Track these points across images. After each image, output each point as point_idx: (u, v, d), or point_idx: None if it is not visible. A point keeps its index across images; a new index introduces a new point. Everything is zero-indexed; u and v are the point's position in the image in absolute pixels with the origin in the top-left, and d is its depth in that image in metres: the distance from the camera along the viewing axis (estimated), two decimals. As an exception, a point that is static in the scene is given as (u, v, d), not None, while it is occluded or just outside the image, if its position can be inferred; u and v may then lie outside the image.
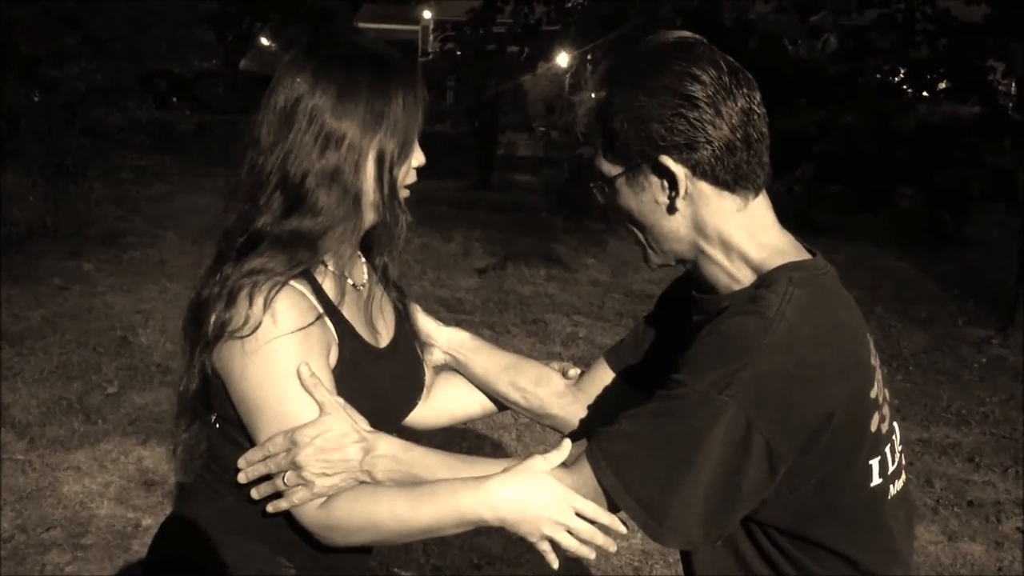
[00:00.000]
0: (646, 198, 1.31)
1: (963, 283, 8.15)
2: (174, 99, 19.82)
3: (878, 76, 9.85)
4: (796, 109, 9.92)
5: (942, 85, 9.79)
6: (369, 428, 1.37)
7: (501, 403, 1.73)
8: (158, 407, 4.73)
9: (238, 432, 1.41)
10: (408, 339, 1.63)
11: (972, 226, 10.38)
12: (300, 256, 1.37)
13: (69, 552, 3.45)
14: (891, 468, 1.33)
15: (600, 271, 8.35)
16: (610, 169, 1.32)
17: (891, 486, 1.33)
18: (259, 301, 1.33)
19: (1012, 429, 4.98)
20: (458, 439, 4.33)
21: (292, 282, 1.36)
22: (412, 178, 1.48)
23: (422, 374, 1.65)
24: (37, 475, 4.00)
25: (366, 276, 1.56)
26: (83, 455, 4.20)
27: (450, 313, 6.70)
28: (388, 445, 1.35)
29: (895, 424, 1.38)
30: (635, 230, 1.36)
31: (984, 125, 9.56)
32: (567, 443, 1.30)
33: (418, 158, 1.46)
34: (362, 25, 27.29)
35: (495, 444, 4.46)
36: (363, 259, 1.57)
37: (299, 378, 1.34)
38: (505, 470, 1.28)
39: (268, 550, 1.45)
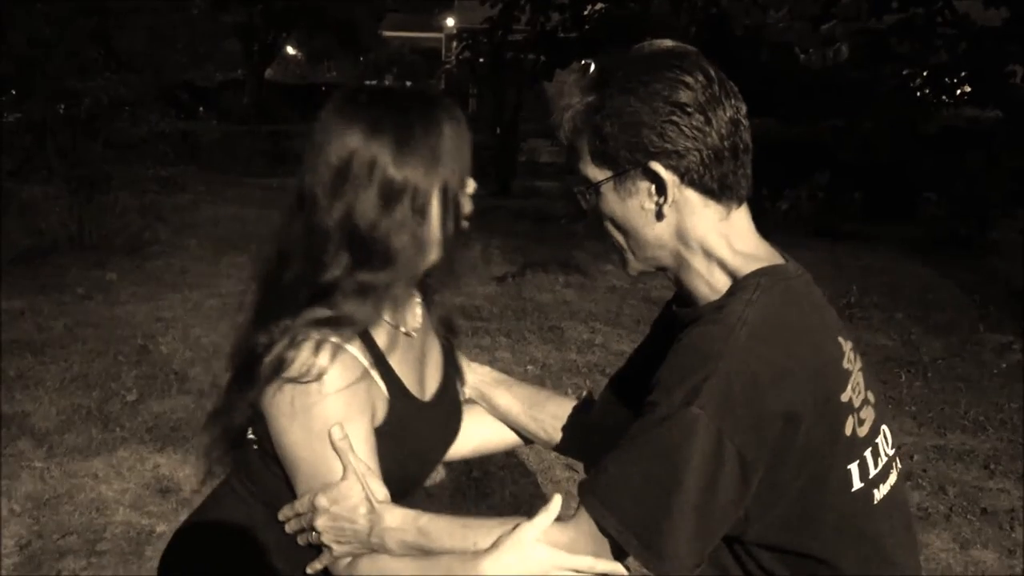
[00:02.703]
0: (632, 204, 1.31)
1: (985, 289, 8.07)
2: (200, 109, 20.02)
3: (897, 81, 9.78)
4: (811, 116, 9.87)
5: (962, 90, 9.71)
6: (381, 498, 1.37)
7: (524, 436, 1.76)
8: (175, 415, 4.79)
9: (274, 462, 1.43)
10: (452, 383, 1.64)
11: (994, 231, 10.29)
12: (369, 309, 1.38)
13: (84, 558, 3.50)
14: (874, 472, 1.32)
15: (619, 278, 8.35)
16: (597, 174, 1.32)
17: (875, 491, 1.32)
18: (322, 353, 1.34)
19: (1030, 436, 4.94)
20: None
21: (342, 339, 1.36)
22: (469, 206, 1.46)
23: (460, 419, 1.67)
24: (55, 482, 4.07)
25: (419, 319, 1.56)
26: (100, 462, 4.26)
27: (467, 320, 6.72)
28: (394, 517, 1.35)
29: (884, 427, 1.37)
30: (617, 236, 1.36)
31: (1005, 129, 9.47)
32: (557, 499, 1.30)
33: (471, 185, 1.45)
34: (386, 34, 27.48)
35: (511, 456, 4.47)
36: (418, 299, 1.57)
37: (330, 440, 1.35)
38: (496, 544, 1.28)
39: (289, 568, 1.48)
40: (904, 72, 9.95)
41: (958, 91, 9.67)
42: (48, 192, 8.71)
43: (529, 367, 5.78)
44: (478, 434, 1.75)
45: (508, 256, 9.01)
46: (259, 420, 1.41)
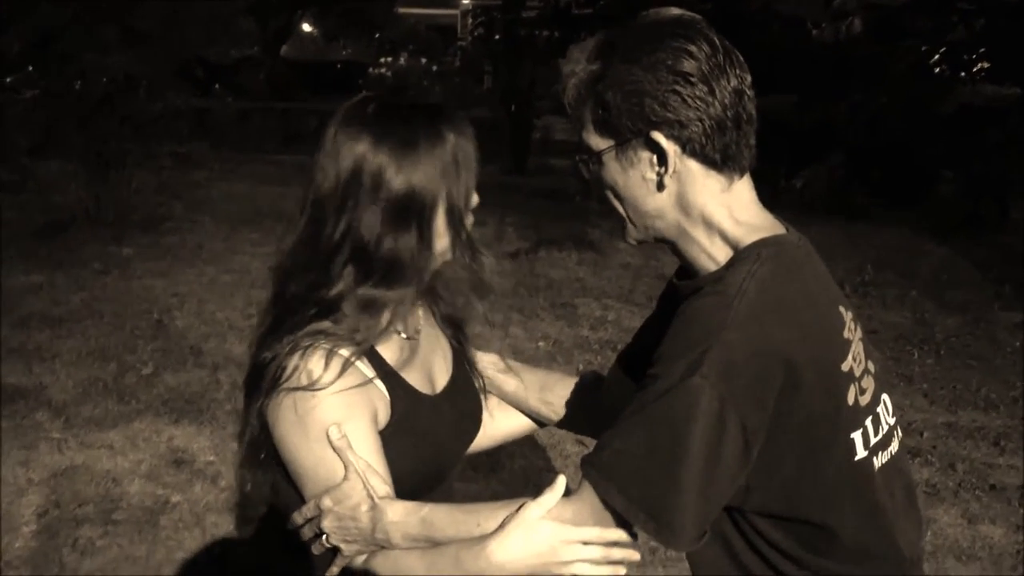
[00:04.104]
0: (634, 174, 1.30)
1: (1002, 268, 8.02)
2: (216, 86, 20.03)
3: (913, 58, 9.67)
4: (826, 94, 9.77)
5: (979, 67, 9.58)
6: (384, 494, 1.37)
7: (536, 420, 1.77)
8: (190, 388, 4.85)
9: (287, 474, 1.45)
10: (464, 375, 1.64)
11: (1013, 211, 10.21)
12: (377, 324, 1.40)
13: (100, 527, 3.56)
14: (875, 440, 1.32)
15: (632, 255, 8.34)
16: (599, 143, 1.31)
17: (876, 458, 1.32)
18: (324, 361, 1.35)
19: (1041, 414, 4.93)
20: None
21: (343, 350, 1.37)
22: (471, 220, 1.46)
23: (479, 411, 1.66)
24: (72, 453, 4.13)
25: (420, 322, 1.57)
26: (116, 434, 4.33)
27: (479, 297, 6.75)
28: (395, 511, 1.35)
29: (884, 396, 1.37)
30: (618, 205, 1.35)
31: (1023, 107, 9.36)
32: (561, 480, 1.30)
33: (474, 200, 1.45)
34: (402, 11, 27.35)
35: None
36: (422, 304, 1.58)
37: (328, 440, 1.36)
38: (501, 525, 1.28)
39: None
40: (922, 48, 9.84)
41: (974, 68, 9.56)
42: (65, 169, 8.76)
43: (541, 343, 5.81)
44: (498, 426, 1.76)
45: (522, 233, 9.02)
46: (268, 436, 1.42)
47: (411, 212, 1.36)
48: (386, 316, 1.41)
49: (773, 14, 9.48)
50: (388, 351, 1.47)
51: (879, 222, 9.58)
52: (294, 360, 1.35)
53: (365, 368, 1.41)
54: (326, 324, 1.37)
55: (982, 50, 9.25)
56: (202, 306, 6.25)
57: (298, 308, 1.39)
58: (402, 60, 24.56)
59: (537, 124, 13.08)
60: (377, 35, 25.79)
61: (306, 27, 27.84)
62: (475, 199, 1.45)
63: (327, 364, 1.35)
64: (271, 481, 1.48)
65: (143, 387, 4.88)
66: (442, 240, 1.40)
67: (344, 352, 1.37)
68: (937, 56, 9.78)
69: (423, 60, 23.61)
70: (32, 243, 7.78)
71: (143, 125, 8.88)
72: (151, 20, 8.96)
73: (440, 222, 1.39)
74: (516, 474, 4.04)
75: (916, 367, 5.62)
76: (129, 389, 4.84)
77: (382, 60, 24.73)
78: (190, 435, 4.33)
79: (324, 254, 1.38)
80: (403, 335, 1.51)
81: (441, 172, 1.37)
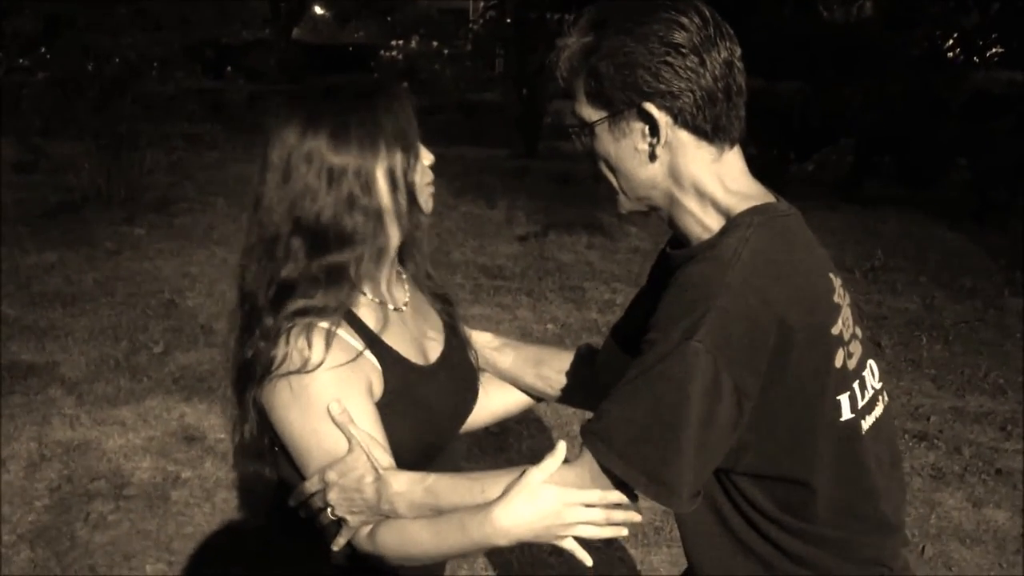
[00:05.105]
0: (626, 144, 1.33)
1: (1012, 254, 7.99)
2: (228, 68, 20.04)
3: (927, 44, 9.59)
4: (838, 79, 9.72)
5: (993, 52, 9.50)
6: (387, 464, 1.39)
7: (533, 395, 1.80)
8: (201, 367, 4.89)
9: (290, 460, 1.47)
10: (459, 348, 1.66)
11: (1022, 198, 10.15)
12: (342, 290, 1.41)
13: (112, 502, 3.61)
14: (861, 403, 1.35)
15: (642, 239, 8.34)
16: (591, 114, 1.34)
17: (862, 421, 1.35)
18: (307, 339, 1.37)
19: (1049, 399, 4.93)
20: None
21: (321, 323, 1.39)
22: (429, 177, 1.49)
23: (475, 382, 1.68)
24: (84, 429, 4.18)
25: (407, 295, 1.60)
26: (128, 411, 4.37)
27: (490, 280, 6.78)
28: (400, 481, 1.37)
29: (870, 361, 1.40)
30: (610, 176, 1.38)
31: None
32: (562, 445, 1.32)
33: (427, 157, 1.48)
34: (414, -6, 27.26)
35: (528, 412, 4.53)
36: (404, 277, 1.61)
37: (329, 415, 1.38)
38: (506, 491, 1.30)
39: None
40: (936, 33, 9.77)
41: (987, 54, 9.48)
42: (77, 149, 8.81)
43: (549, 326, 5.83)
44: (495, 400, 1.78)
45: (532, 216, 9.02)
46: (267, 423, 1.44)
47: (347, 180, 1.40)
48: (350, 278, 1.43)
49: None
50: (375, 323, 1.49)
51: (890, 208, 9.54)
52: (280, 346, 1.38)
53: (353, 341, 1.43)
54: (299, 303, 1.39)
55: (995, 36, 9.16)
56: (213, 286, 6.29)
57: (262, 297, 1.42)
58: (413, 43, 24.48)
59: (548, 108, 13.03)
60: (389, 19, 25.72)
61: (318, 9, 27.81)
62: (428, 156, 1.48)
63: (312, 341, 1.38)
64: (276, 466, 1.50)
65: (154, 365, 4.92)
66: (388, 203, 1.43)
67: (323, 324, 1.39)
68: (951, 41, 9.70)
69: (435, 43, 23.53)
70: (45, 222, 7.84)
71: (155, 106, 8.92)
72: (163, 1, 8.97)
73: (381, 186, 1.42)
74: (524, 454, 4.07)
75: (925, 352, 5.62)
76: (141, 367, 4.88)
77: (393, 43, 24.65)
78: (201, 413, 4.37)
79: (273, 237, 1.42)
80: (390, 307, 1.53)
81: (373, 143, 1.41)
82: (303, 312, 1.38)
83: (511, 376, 1.77)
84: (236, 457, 1.51)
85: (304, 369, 1.37)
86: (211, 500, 3.65)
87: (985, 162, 9.92)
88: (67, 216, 8.09)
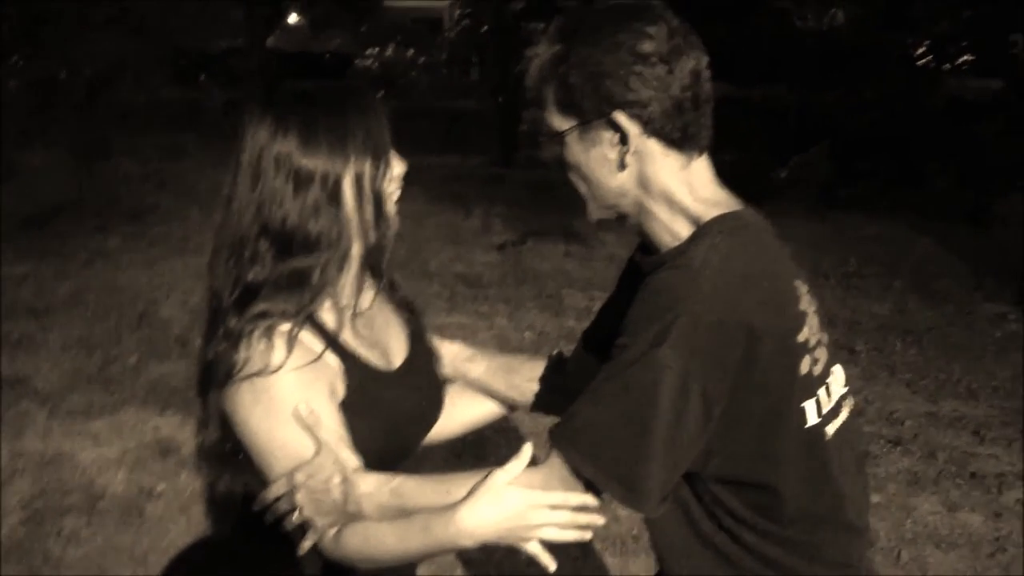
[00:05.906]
0: (595, 153, 1.34)
1: (986, 259, 8.07)
2: (201, 77, 19.92)
3: (899, 50, 9.68)
4: (814, 85, 9.80)
5: (964, 59, 9.60)
6: (355, 466, 1.39)
7: (505, 404, 1.79)
8: (175, 378, 4.84)
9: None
10: (423, 357, 1.66)
11: (999, 203, 10.26)
12: (305, 295, 1.41)
13: (86, 516, 3.57)
14: (826, 409, 1.37)
15: (618, 247, 8.35)
16: (561, 123, 1.35)
17: (828, 427, 1.37)
18: (268, 341, 1.38)
19: (1022, 403, 4.97)
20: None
21: (282, 326, 1.39)
22: (394, 187, 1.49)
23: (439, 390, 1.68)
24: (57, 443, 4.14)
25: (373, 302, 1.59)
26: (102, 424, 4.33)
27: (467, 288, 6.77)
28: (367, 483, 1.37)
29: (835, 367, 1.41)
30: (580, 184, 1.39)
31: (1008, 100, 9.38)
32: (527, 447, 1.32)
33: (398, 166, 1.48)
34: (387, 3, 27.26)
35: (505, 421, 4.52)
36: (371, 284, 1.60)
37: (296, 417, 1.38)
38: (471, 492, 1.30)
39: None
40: (909, 40, 9.86)
41: (957, 60, 9.58)
42: (50, 158, 8.73)
43: (527, 334, 5.83)
44: (465, 411, 1.78)
45: (509, 224, 9.03)
46: (229, 426, 1.43)
47: (315, 185, 1.40)
48: (314, 283, 1.43)
49: (759, 2, 9.46)
50: (337, 328, 1.49)
51: (864, 214, 9.62)
52: (241, 349, 1.38)
53: (314, 342, 1.43)
54: (262, 306, 1.39)
55: (965, 43, 9.27)
56: (187, 297, 6.23)
57: (227, 298, 1.42)
58: (389, 51, 24.46)
59: (524, 116, 13.04)
60: (363, 28, 25.69)
61: (293, 17, 27.73)
62: (399, 166, 1.48)
63: (273, 343, 1.38)
64: (240, 471, 1.49)
65: (128, 377, 4.88)
66: (352, 210, 1.43)
67: (284, 327, 1.39)
68: (923, 48, 9.80)
69: (410, 52, 23.52)
70: (17, 233, 7.75)
71: (129, 115, 8.87)
72: (138, 7, 8.92)
73: (348, 194, 1.43)
74: (502, 463, 4.05)
75: (899, 357, 5.66)
76: (114, 379, 4.84)
77: (368, 52, 24.62)
78: (175, 425, 4.34)
79: (240, 239, 1.42)
80: (353, 312, 1.53)
81: (342, 148, 1.41)
82: (265, 315, 1.39)
83: (482, 385, 1.77)
84: (198, 461, 1.50)
85: (265, 372, 1.37)
86: (186, 513, 3.62)
87: (958, 168, 10.02)
88: (40, 227, 8.00)
